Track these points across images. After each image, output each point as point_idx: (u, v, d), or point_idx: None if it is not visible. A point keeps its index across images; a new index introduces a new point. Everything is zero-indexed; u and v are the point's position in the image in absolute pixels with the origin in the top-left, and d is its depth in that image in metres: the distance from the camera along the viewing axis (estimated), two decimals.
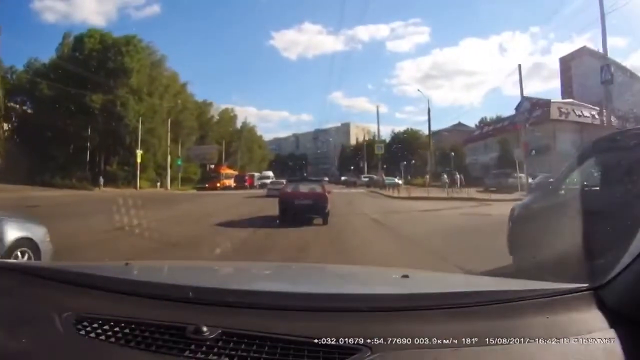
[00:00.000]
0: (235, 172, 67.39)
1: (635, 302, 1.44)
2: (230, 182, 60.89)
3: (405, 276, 2.12)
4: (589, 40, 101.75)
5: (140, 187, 53.03)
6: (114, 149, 54.23)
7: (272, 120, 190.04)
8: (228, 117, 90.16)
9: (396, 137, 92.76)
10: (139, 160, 50.91)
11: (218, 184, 57.84)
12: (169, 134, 56.45)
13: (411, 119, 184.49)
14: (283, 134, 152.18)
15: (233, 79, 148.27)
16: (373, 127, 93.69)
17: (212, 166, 64.23)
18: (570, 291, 1.61)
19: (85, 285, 1.83)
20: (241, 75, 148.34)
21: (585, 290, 1.61)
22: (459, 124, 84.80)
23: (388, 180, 52.51)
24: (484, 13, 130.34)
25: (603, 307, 1.50)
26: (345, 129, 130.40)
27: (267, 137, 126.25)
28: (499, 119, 71.69)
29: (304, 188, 18.21)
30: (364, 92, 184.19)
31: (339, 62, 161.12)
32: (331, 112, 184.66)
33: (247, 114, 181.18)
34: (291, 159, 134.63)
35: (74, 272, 2.03)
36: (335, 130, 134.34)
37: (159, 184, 55.34)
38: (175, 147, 62.46)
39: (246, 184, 59.67)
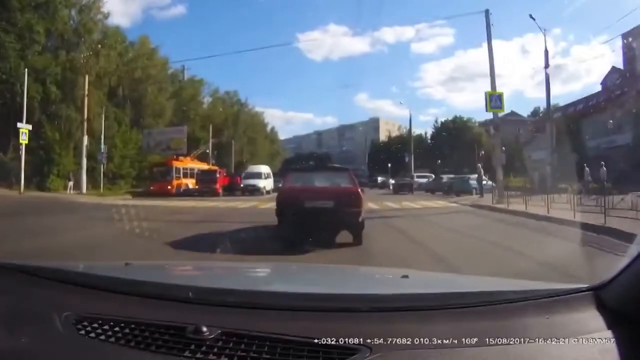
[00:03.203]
0: (205, 167, 44.77)
1: (635, 303, 1.41)
2: (190, 183, 38.69)
3: (405, 276, 2.08)
4: (605, 42, 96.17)
5: (48, 187, 32.89)
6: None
7: (297, 122, 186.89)
8: (221, 101, 68.50)
9: (442, 128, 76.14)
10: (21, 141, 29.05)
11: (169, 187, 35.76)
12: (85, 99, 33.83)
13: (431, 121, 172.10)
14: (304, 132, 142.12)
15: (258, 80, 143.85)
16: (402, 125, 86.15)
17: (177, 157, 41.43)
18: (570, 291, 1.59)
19: (85, 285, 1.79)
20: (266, 76, 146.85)
21: (585, 291, 1.58)
22: (512, 112, 72.29)
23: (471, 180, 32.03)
24: (508, 13, 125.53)
25: (603, 308, 1.48)
26: (373, 124, 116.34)
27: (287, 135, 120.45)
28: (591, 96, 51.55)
29: (320, 181, 10.19)
30: (389, 94, 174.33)
31: (364, 64, 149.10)
32: (356, 114, 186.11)
33: (272, 115, 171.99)
34: (312, 158, 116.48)
35: (74, 272, 2.01)
36: (362, 126, 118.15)
37: (71, 183, 33.55)
38: (129, 131, 42.15)
39: (217, 185, 37.05)
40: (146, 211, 15.99)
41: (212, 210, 20.76)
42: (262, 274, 2.82)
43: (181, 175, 38.49)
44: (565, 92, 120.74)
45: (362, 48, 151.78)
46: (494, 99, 23.85)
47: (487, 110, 24.33)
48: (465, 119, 76.09)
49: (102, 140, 34.40)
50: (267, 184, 40.18)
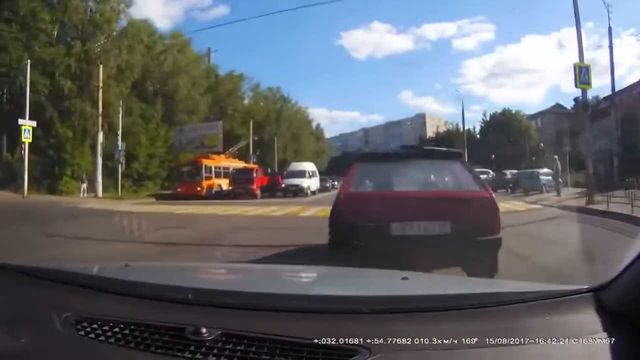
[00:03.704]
0: (240, 165, 39.43)
1: (636, 304, 1.40)
2: (224, 183, 33.53)
3: (405, 278, 2.02)
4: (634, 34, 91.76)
5: (60, 190, 29.22)
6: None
7: (343, 121, 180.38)
8: (263, 97, 64.05)
9: (492, 122, 72.21)
10: (24, 139, 24.92)
11: (198, 188, 30.71)
12: (100, 92, 29.29)
13: (477, 118, 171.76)
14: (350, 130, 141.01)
15: (303, 79, 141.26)
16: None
17: (208, 155, 36.21)
18: (571, 293, 1.58)
19: (85, 286, 1.78)
20: (311, 76, 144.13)
21: (585, 292, 1.57)
22: (557, 105, 72.37)
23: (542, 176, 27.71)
24: (546, 7, 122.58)
25: (603, 309, 1.47)
26: (420, 120, 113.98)
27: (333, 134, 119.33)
28: None
29: (414, 181, 5.78)
30: (432, 91, 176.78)
31: (407, 61, 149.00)
32: (401, 111, 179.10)
33: (317, 114, 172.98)
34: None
35: (74, 273, 1.96)
36: (409, 122, 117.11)
37: (84, 186, 28.82)
38: (160, 128, 38.01)
39: (253, 185, 31.70)
40: (138, 222, 13.13)
41: (231, 220, 15.84)
42: (262, 276, 2.68)
43: (212, 174, 33.36)
44: (598, 85, 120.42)
45: (406, 46, 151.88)
46: (582, 72, 19.48)
47: (576, 86, 20.03)
48: (513, 112, 72.56)
49: (120, 137, 29.82)
50: (311, 183, 35.40)
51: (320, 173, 41.40)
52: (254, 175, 33.00)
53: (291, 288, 2.20)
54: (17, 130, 25.91)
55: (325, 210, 18.17)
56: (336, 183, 52.98)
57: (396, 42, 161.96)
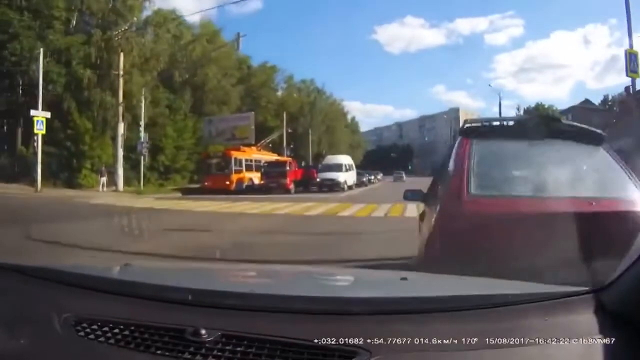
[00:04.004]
0: (273, 157, 36.67)
1: (636, 305, 1.38)
2: (255, 177, 30.95)
3: (404, 279, 2.01)
4: None
5: (79, 183, 27.41)
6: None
7: (377, 115, 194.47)
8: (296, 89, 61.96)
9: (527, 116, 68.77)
10: (37, 130, 23.04)
11: (227, 182, 28.21)
12: (120, 81, 27.15)
13: (508, 113, 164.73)
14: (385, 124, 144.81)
15: (337, 73, 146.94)
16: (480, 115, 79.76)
17: (239, 147, 33.52)
18: (570, 294, 1.56)
19: (84, 286, 1.76)
20: (345, 70, 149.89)
21: (585, 293, 1.55)
22: (586, 100, 70.80)
23: None
24: (574, 2, 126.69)
25: (603, 310, 1.45)
26: (453, 114, 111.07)
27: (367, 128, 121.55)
28: None
29: (545, 176, 3.36)
30: (463, 86, 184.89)
31: (440, 56, 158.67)
32: (433, 106, 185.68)
33: (351, 108, 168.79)
34: (394, 150, 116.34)
35: (74, 273, 1.92)
36: (442, 116, 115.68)
37: (103, 179, 26.69)
38: (188, 119, 36.18)
39: (286, 180, 29.11)
40: (147, 222, 11.58)
41: (258, 221, 13.49)
42: (262, 277, 2.67)
43: (243, 167, 30.68)
44: (621, 82, 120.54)
45: (439, 40, 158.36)
46: (632, 60, 18.91)
47: (627, 75, 19.59)
48: (546, 106, 71.78)
49: (142, 128, 27.63)
50: (348, 177, 32.86)
51: (356, 167, 38.73)
52: (288, 168, 30.50)
53: (291, 289, 2.06)
54: (32, 122, 24.11)
55: (367, 209, 16.07)
56: (372, 177, 50.98)
57: (429, 37, 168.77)
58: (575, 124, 4.17)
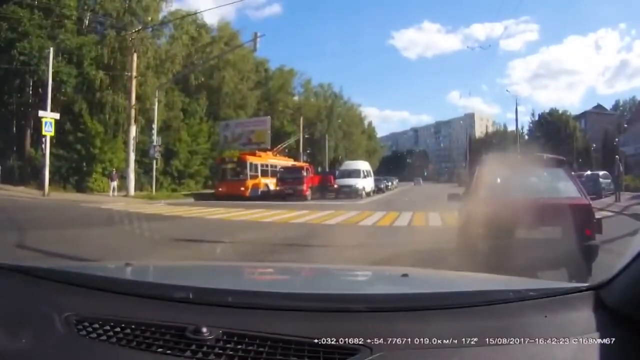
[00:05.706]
0: (289, 163, 34.96)
1: (636, 303, 1.37)
2: (271, 183, 29.36)
3: (405, 275, 2.02)
4: None
5: (89, 187, 26.65)
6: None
7: (393, 120, 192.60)
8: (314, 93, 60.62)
9: (541, 121, 71.74)
10: (45, 132, 21.73)
11: (242, 187, 26.66)
12: (133, 83, 25.70)
13: (522, 118, 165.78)
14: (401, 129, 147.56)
15: (355, 79, 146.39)
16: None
17: (254, 152, 32.11)
18: (570, 291, 1.58)
19: (85, 285, 1.74)
20: (363, 75, 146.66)
21: (585, 290, 1.55)
22: (598, 105, 73.60)
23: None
24: (584, 7, 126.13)
25: (603, 307, 1.45)
26: (469, 120, 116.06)
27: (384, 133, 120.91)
28: None
29: (532, 187, 6.64)
30: (479, 92, 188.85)
31: (456, 62, 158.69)
32: (449, 112, 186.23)
33: (368, 114, 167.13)
34: (410, 156, 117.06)
35: (75, 273, 1.92)
36: (459, 122, 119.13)
37: (114, 184, 25.15)
38: (203, 123, 34.95)
39: (303, 186, 27.44)
40: (149, 233, 10.12)
41: (272, 230, 11.87)
42: (263, 275, 2.68)
43: (258, 173, 29.14)
44: (631, 87, 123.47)
45: (455, 45, 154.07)
46: None
47: None
48: (560, 112, 71.27)
49: (155, 131, 26.18)
50: (366, 184, 31.16)
51: (373, 173, 37.18)
52: (304, 174, 28.74)
53: (292, 287, 2.14)
54: (38, 125, 22.97)
55: (389, 217, 14.42)
56: (390, 184, 49.42)
57: (446, 42, 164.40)
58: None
